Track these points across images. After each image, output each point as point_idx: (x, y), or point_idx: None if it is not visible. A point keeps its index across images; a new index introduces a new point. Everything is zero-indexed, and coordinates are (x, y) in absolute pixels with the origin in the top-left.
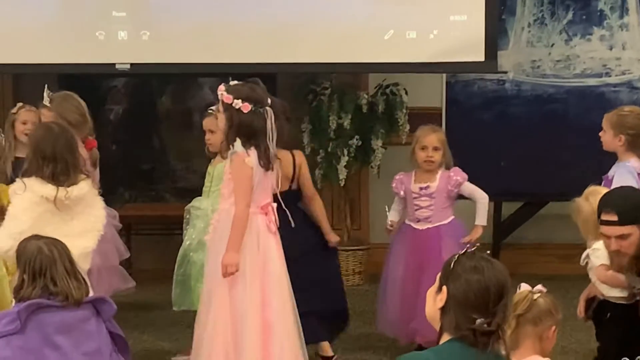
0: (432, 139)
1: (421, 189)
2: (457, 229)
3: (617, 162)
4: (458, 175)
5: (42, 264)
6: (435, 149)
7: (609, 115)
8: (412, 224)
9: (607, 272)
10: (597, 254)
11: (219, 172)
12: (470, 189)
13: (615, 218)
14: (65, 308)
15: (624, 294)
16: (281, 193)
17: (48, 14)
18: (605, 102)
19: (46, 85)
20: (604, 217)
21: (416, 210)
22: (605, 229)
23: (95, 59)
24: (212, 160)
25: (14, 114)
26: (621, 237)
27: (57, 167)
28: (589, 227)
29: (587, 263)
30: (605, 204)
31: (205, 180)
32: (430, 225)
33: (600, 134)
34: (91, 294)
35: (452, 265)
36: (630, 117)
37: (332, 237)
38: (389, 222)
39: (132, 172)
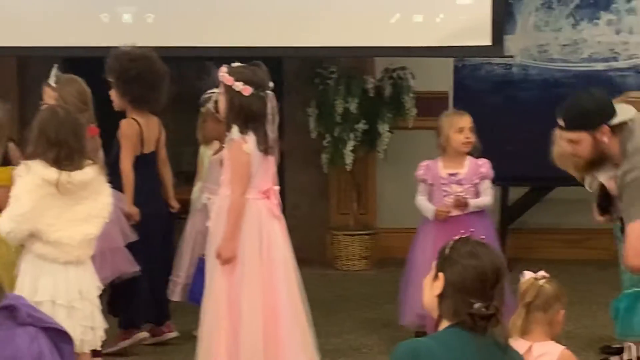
0: (467, 120)
1: (450, 175)
2: (484, 216)
3: None
4: (486, 168)
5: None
6: (471, 130)
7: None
8: None
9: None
10: (597, 180)
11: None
12: (486, 186)
13: (562, 124)
14: None
15: None
16: (149, 153)
17: None
18: (612, 87)
19: (56, 65)
20: (558, 122)
21: (445, 196)
22: (558, 133)
23: (99, 42)
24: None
25: None
26: (571, 141)
27: (62, 152)
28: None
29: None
30: (558, 110)
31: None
32: (459, 213)
33: None
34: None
35: (448, 252)
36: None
37: (174, 203)
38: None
39: None
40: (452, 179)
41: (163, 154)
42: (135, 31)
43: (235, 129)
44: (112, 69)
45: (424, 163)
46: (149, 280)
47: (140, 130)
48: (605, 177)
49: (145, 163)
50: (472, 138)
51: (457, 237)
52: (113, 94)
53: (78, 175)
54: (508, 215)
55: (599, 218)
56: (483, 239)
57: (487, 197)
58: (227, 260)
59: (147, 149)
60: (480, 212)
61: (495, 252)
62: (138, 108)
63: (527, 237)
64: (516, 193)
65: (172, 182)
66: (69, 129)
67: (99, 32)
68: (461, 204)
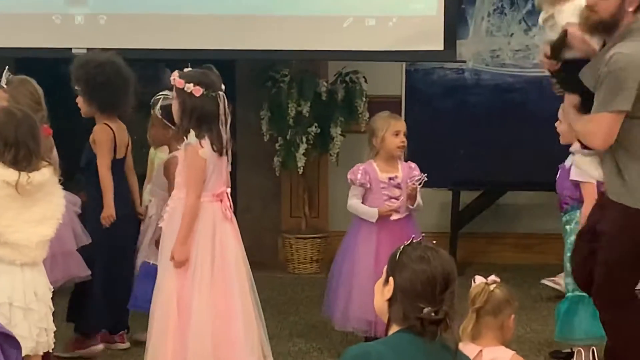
0: (403, 124)
1: (390, 179)
2: (415, 220)
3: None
4: (417, 171)
5: None
6: (405, 134)
7: (563, 106)
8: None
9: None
10: (562, 15)
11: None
12: (418, 189)
13: None
14: None
15: None
16: (121, 159)
17: None
18: None
19: (7, 67)
20: None
21: (385, 200)
22: None
23: (51, 43)
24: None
25: None
26: None
27: (20, 153)
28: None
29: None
30: None
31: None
32: (400, 216)
33: (556, 124)
34: None
35: (398, 256)
36: None
37: (141, 210)
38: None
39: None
40: (391, 183)
41: (129, 160)
42: (87, 33)
43: (192, 134)
44: (78, 76)
45: (360, 167)
46: (109, 286)
47: (113, 135)
48: (572, 19)
49: (117, 169)
50: (406, 142)
51: (407, 242)
52: (80, 101)
53: (37, 176)
54: (459, 219)
55: (544, 59)
56: (434, 243)
57: (419, 203)
58: (180, 262)
59: (119, 154)
60: (410, 215)
61: (445, 257)
62: (106, 114)
63: (478, 242)
64: (467, 197)
65: (137, 187)
66: (26, 130)
67: (51, 33)
68: (413, 197)
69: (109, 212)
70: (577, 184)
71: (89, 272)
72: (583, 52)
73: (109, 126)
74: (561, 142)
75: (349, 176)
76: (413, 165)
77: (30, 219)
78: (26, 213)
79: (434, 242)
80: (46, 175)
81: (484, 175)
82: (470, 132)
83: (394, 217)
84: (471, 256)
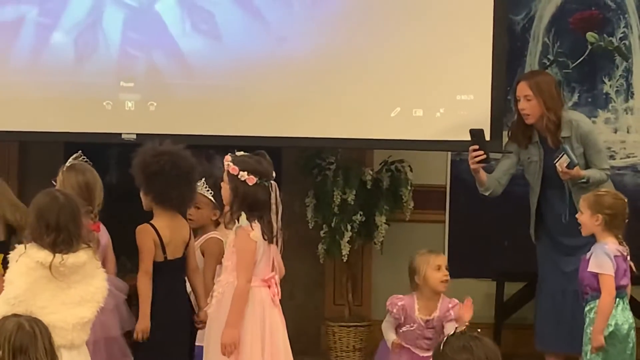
0: (444, 258)
1: (427, 321)
2: None
3: (595, 243)
4: (455, 310)
5: (23, 341)
6: (446, 267)
7: (586, 196)
8: (413, 349)
9: None
10: None
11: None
12: (451, 329)
13: None
14: None
15: None
16: (174, 260)
17: (56, 82)
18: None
19: (80, 151)
20: None
21: (417, 339)
22: None
23: (101, 128)
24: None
25: None
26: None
27: (59, 237)
28: None
29: None
30: None
31: None
32: (428, 354)
33: (576, 215)
34: None
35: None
36: (607, 197)
37: (203, 316)
38: (395, 342)
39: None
40: (427, 325)
41: (192, 262)
42: (137, 118)
43: (243, 216)
44: (135, 165)
45: (400, 300)
46: None
47: (157, 235)
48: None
49: (168, 270)
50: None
51: (452, 332)
52: (141, 193)
53: (70, 258)
54: (503, 310)
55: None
56: (478, 332)
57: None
58: (230, 347)
59: (172, 255)
60: None
61: (489, 345)
62: (162, 206)
63: (522, 333)
64: (512, 288)
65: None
66: (68, 214)
67: (101, 118)
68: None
69: (143, 324)
70: (595, 275)
71: (131, 358)
72: None
73: (152, 226)
74: (582, 234)
75: (387, 304)
76: (452, 303)
77: (67, 300)
78: (62, 295)
79: (479, 330)
80: (82, 258)
81: (528, 266)
82: (515, 223)
83: (424, 354)
84: (516, 347)
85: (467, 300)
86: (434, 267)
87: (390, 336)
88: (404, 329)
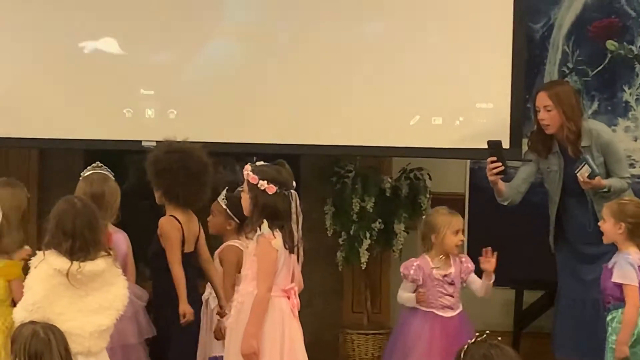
0: (462, 221)
1: (444, 276)
2: (467, 316)
3: (618, 252)
4: (469, 262)
5: (37, 348)
6: (462, 231)
7: (609, 204)
8: (436, 311)
9: None
10: None
11: None
12: (473, 278)
13: None
14: None
15: None
16: (188, 253)
17: (77, 90)
18: (629, 194)
19: (98, 162)
20: None
21: (439, 297)
22: None
23: (121, 135)
24: None
25: None
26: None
27: (76, 243)
28: None
29: None
30: None
31: None
32: (453, 313)
33: (599, 223)
34: None
35: (463, 355)
36: (631, 206)
37: (226, 307)
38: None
39: None
40: (445, 280)
41: (205, 253)
42: (157, 126)
43: (264, 224)
44: (148, 159)
45: (414, 262)
46: None
47: (181, 227)
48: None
49: (184, 263)
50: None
51: (472, 340)
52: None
53: (88, 266)
54: (522, 318)
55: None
56: (499, 340)
57: (479, 286)
58: (249, 357)
59: (187, 248)
60: (464, 311)
61: (510, 354)
62: (171, 203)
63: (541, 342)
64: (531, 297)
65: (219, 281)
66: (85, 221)
67: (121, 126)
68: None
69: (184, 308)
70: (619, 285)
71: None
72: None
73: (175, 218)
74: (604, 242)
75: (401, 270)
76: (464, 258)
77: (85, 308)
78: (80, 302)
79: (499, 338)
80: (100, 266)
81: (547, 275)
82: (533, 231)
83: (447, 314)
84: (534, 356)
85: (485, 251)
86: (454, 231)
87: (409, 296)
88: (422, 289)
